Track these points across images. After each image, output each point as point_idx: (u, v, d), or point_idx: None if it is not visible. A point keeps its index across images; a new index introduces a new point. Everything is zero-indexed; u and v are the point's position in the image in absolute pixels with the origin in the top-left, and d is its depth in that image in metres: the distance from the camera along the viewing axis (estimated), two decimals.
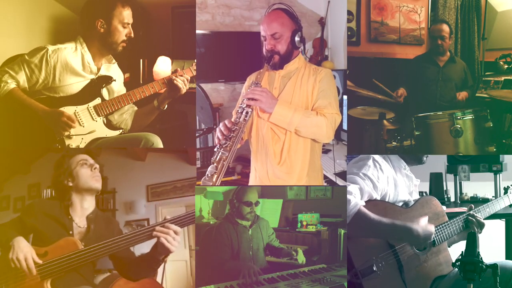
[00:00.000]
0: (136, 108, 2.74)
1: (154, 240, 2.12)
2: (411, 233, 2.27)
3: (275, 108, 2.30)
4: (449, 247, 2.50)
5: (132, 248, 2.29)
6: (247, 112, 2.31)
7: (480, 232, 2.45)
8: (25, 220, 2.18)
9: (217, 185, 2.24)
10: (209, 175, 2.23)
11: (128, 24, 2.61)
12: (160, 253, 2.10)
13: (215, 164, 2.25)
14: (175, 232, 2.08)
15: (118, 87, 2.71)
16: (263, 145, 2.43)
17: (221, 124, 2.32)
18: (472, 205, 2.55)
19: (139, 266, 2.23)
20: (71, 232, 2.22)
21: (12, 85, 2.51)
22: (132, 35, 2.62)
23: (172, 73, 2.67)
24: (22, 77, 2.53)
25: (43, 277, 2.08)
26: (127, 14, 2.60)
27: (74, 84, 2.59)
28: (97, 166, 2.32)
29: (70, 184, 2.28)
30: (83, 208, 2.30)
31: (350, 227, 2.29)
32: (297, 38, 2.38)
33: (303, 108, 2.36)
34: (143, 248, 2.26)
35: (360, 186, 2.35)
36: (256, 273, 2.42)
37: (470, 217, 2.46)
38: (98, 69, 2.64)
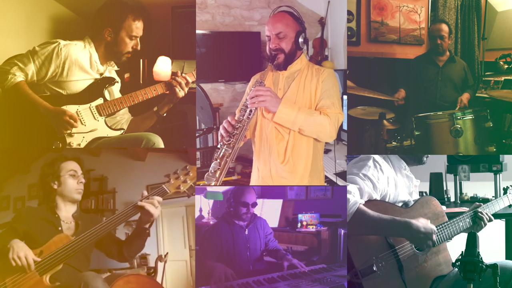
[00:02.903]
0: (131, 116, 2.75)
1: None
2: (411, 227, 2.26)
3: (279, 107, 2.31)
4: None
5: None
6: (251, 110, 2.33)
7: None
8: (17, 227, 2.30)
9: (220, 182, 2.25)
10: (212, 171, 2.25)
11: (136, 37, 2.62)
12: (145, 221, 2.31)
13: (218, 160, 2.27)
14: (158, 201, 2.31)
15: (117, 93, 2.71)
16: (266, 144, 2.44)
17: (224, 122, 2.34)
18: (477, 203, 2.55)
19: (129, 242, 2.42)
20: (60, 228, 2.34)
21: (19, 78, 2.51)
22: (139, 47, 2.63)
23: (173, 73, 2.67)
24: (31, 69, 2.53)
25: (42, 273, 2.17)
26: (136, 27, 2.61)
27: (80, 81, 2.59)
28: (83, 180, 2.45)
29: (55, 187, 2.41)
30: (67, 209, 2.42)
31: (350, 225, 2.29)
32: (300, 39, 2.40)
33: (307, 108, 2.37)
34: None
35: (360, 186, 2.35)
36: (229, 277, 2.42)
37: (480, 214, 2.46)
38: (104, 70, 2.66)
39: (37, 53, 2.54)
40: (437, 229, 2.39)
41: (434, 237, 2.29)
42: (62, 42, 2.57)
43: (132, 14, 2.60)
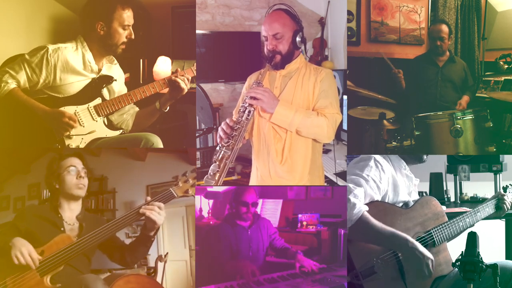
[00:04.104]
0: (137, 108, 2.73)
1: None
2: (407, 244, 2.26)
3: (276, 109, 2.30)
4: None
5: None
6: (249, 111, 2.32)
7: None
8: (19, 225, 2.27)
9: (220, 184, 2.24)
10: (211, 174, 2.25)
11: (129, 26, 2.60)
12: (149, 228, 2.26)
13: (217, 162, 2.26)
14: (159, 207, 2.24)
15: (119, 87, 2.70)
16: (264, 144, 2.43)
17: (223, 123, 2.33)
18: (501, 192, 2.61)
19: (132, 249, 2.38)
20: (62, 229, 2.30)
21: (12, 85, 2.51)
22: (133, 36, 2.61)
23: (173, 73, 2.67)
24: (22, 77, 2.52)
25: (42, 274, 2.15)
26: (127, 16, 2.59)
27: (75, 83, 2.58)
28: (83, 175, 2.38)
29: (57, 186, 2.37)
30: (70, 209, 2.38)
31: (351, 231, 2.29)
32: (298, 39, 2.39)
33: (304, 108, 2.37)
34: None
35: (365, 188, 2.34)
36: (255, 272, 2.42)
37: (501, 197, 2.54)
38: (99, 69, 2.64)
39: (27, 61, 2.52)
40: (437, 229, 2.39)
41: (431, 265, 2.26)
42: (51, 47, 2.54)
43: (120, 4, 2.57)
